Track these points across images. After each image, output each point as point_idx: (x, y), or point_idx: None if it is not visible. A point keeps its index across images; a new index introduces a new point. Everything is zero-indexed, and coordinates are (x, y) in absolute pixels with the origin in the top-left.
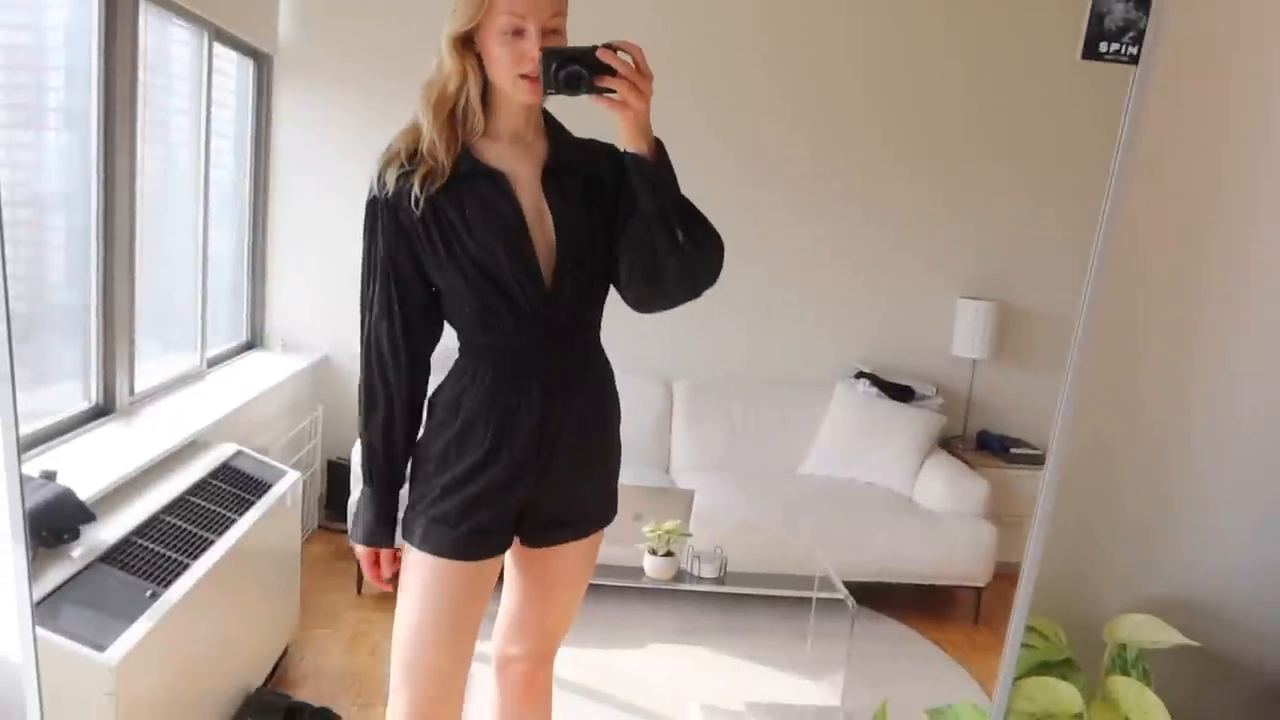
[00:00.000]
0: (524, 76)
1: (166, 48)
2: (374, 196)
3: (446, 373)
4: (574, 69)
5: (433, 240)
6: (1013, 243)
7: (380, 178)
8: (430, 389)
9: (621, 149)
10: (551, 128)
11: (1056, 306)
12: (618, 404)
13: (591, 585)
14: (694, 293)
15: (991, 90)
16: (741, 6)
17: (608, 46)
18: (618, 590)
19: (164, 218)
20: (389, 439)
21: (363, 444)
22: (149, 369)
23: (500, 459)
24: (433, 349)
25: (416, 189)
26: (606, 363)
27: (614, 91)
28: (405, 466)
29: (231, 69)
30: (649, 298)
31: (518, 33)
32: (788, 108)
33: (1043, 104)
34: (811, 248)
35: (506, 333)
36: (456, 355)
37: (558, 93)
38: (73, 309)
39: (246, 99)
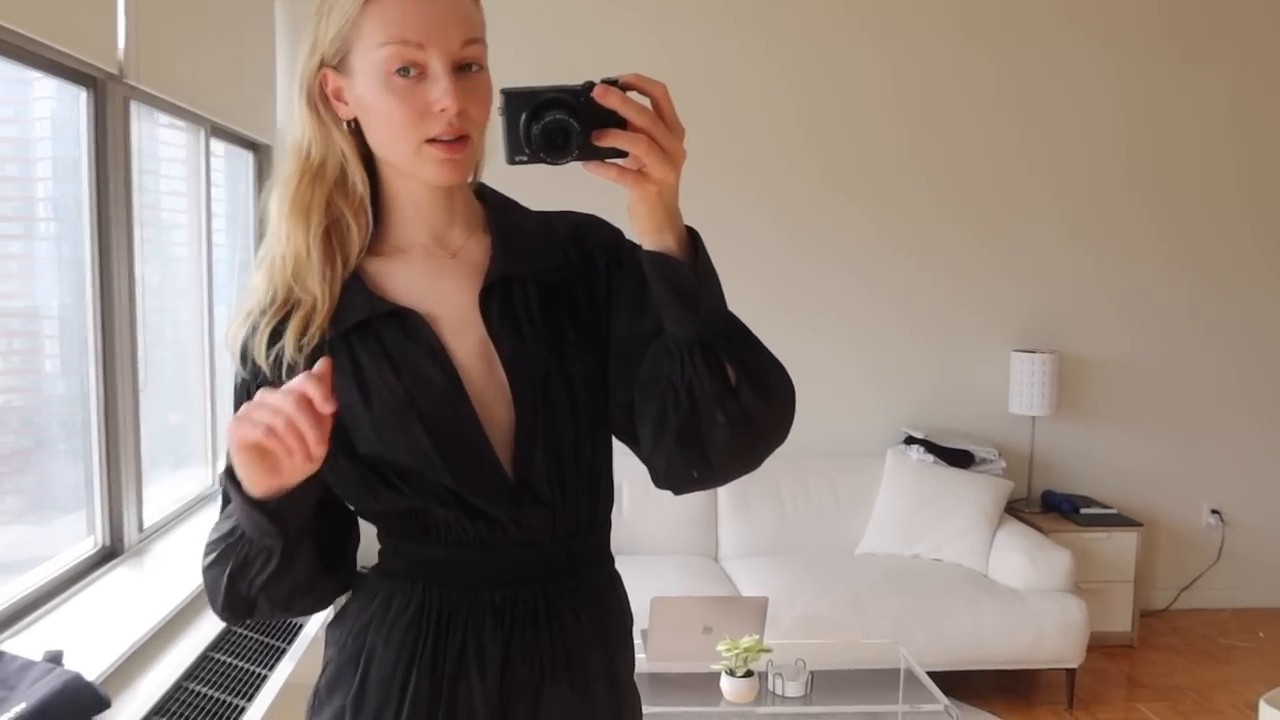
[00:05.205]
0: (434, 142)
1: (155, 131)
2: (242, 380)
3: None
4: (559, 119)
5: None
6: (1064, 289)
7: (244, 352)
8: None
9: (613, 235)
10: (497, 214)
11: (1116, 353)
12: (631, 646)
13: (664, 714)
14: (755, 460)
15: (1037, 136)
16: (782, 61)
17: (610, 82)
18: (689, 717)
19: (160, 303)
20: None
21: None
22: (158, 492)
23: None
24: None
25: (290, 349)
26: (617, 587)
27: (623, 154)
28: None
29: (220, 149)
30: (687, 473)
31: (410, 70)
32: (823, 159)
33: (1088, 148)
34: (851, 304)
35: (444, 543)
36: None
37: (531, 159)
38: (71, 425)
39: (237, 178)
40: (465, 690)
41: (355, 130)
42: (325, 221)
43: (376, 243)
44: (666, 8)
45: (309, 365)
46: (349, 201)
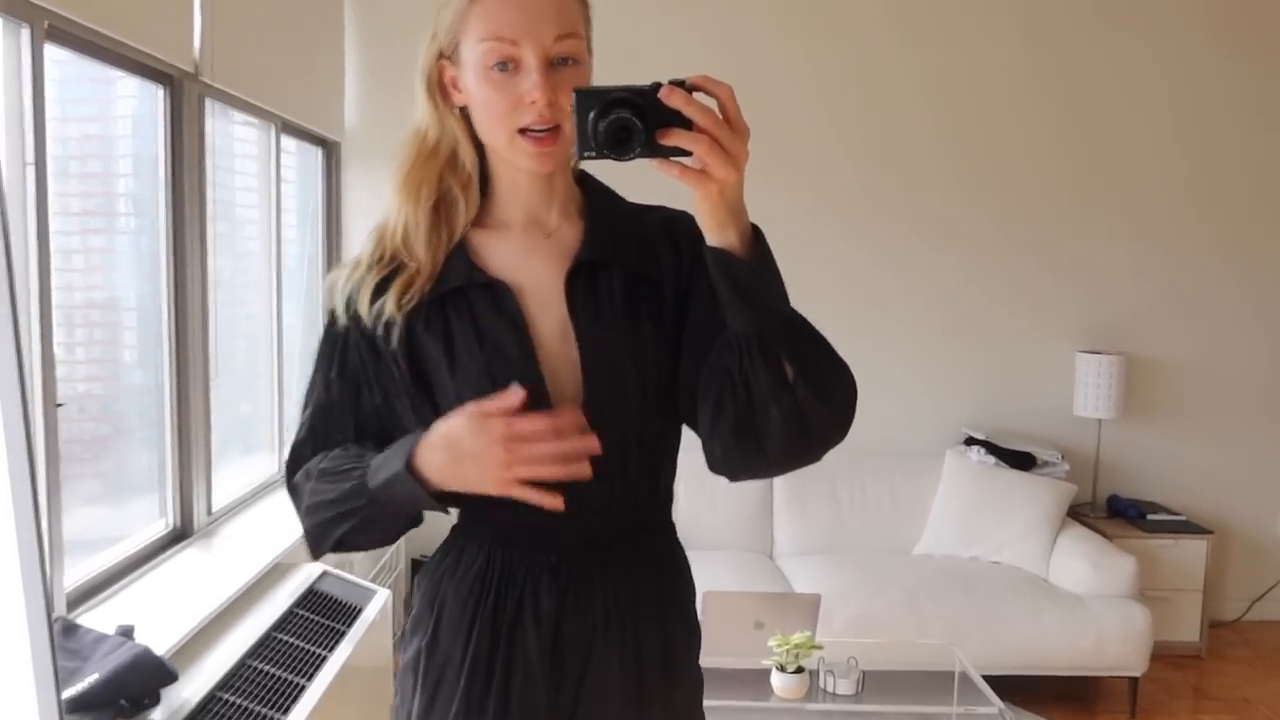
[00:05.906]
0: (525, 132)
1: (229, 128)
2: (343, 327)
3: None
4: (622, 118)
5: (406, 382)
6: (1132, 290)
7: (347, 300)
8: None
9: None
10: (594, 201)
11: (1186, 355)
12: (692, 617)
13: (715, 707)
14: (810, 455)
15: (1099, 136)
16: (829, 67)
17: (677, 84)
18: (739, 711)
19: (232, 296)
20: None
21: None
22: (227, 477)
23: (491, 691)
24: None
25: (391, 307)
26: (677, 555)
27: (687, 153)
28: None
29: (292, 146)
30: (742, 462)
31: (508, 64)
32: (880, 162)
33: (1150, 148)
34: (910, 304)
35: (508, 508)
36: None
37: (598, 156)
38: (147, 413)
39: (308, 174)
40: (521, 640)
41: (468, 115)
42: (435, 196)
43: (484, 215)
44: (711, 12)
45: (407, 323)
46: (458, 178)
